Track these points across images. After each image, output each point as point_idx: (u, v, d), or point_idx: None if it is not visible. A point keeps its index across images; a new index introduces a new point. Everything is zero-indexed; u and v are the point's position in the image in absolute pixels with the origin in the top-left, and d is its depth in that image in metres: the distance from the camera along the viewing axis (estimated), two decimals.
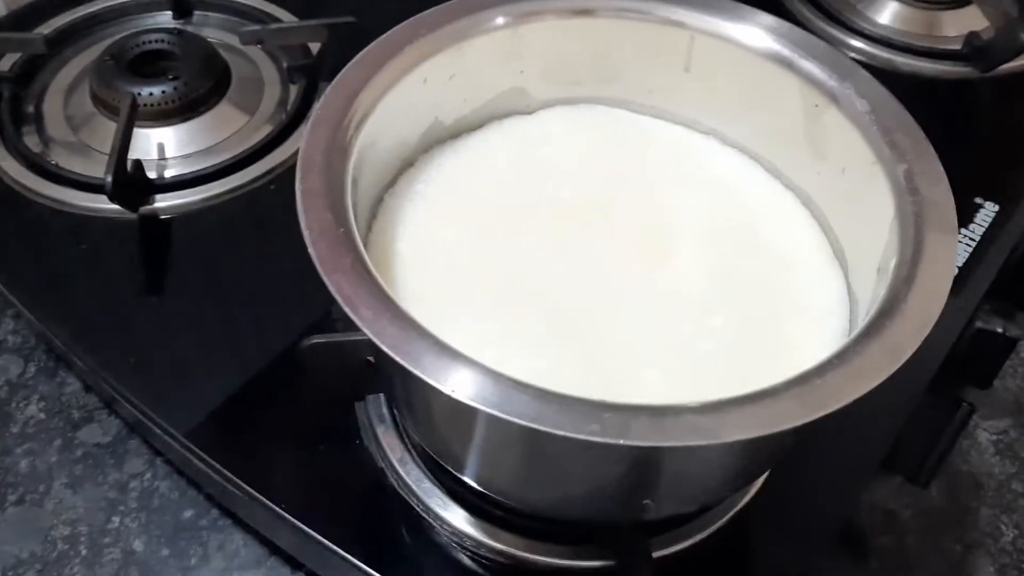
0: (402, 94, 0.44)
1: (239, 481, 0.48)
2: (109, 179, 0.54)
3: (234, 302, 0.56)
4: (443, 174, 0.48)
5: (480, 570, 0.46)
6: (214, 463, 0.48)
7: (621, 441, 0.30)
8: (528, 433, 0.33)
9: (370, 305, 0.34)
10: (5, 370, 0.61)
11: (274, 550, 0.54)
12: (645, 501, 0.39)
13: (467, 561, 0.46)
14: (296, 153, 0.62)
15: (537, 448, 0.36)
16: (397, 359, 0.32)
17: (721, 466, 0.38)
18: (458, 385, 0.32)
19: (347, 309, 0.33)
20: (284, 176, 0.62)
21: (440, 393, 0.32)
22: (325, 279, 0.34)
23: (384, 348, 0.32)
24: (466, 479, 0.42)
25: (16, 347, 0.62)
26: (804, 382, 0.32)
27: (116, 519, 0.55)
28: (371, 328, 0.33)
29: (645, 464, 0.36)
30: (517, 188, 0.48)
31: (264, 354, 0.53)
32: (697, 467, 0.38)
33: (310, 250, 0.36)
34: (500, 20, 0.46)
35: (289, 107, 0.66)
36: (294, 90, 0.67)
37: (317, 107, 0.41)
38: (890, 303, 0.35)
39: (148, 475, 0.57)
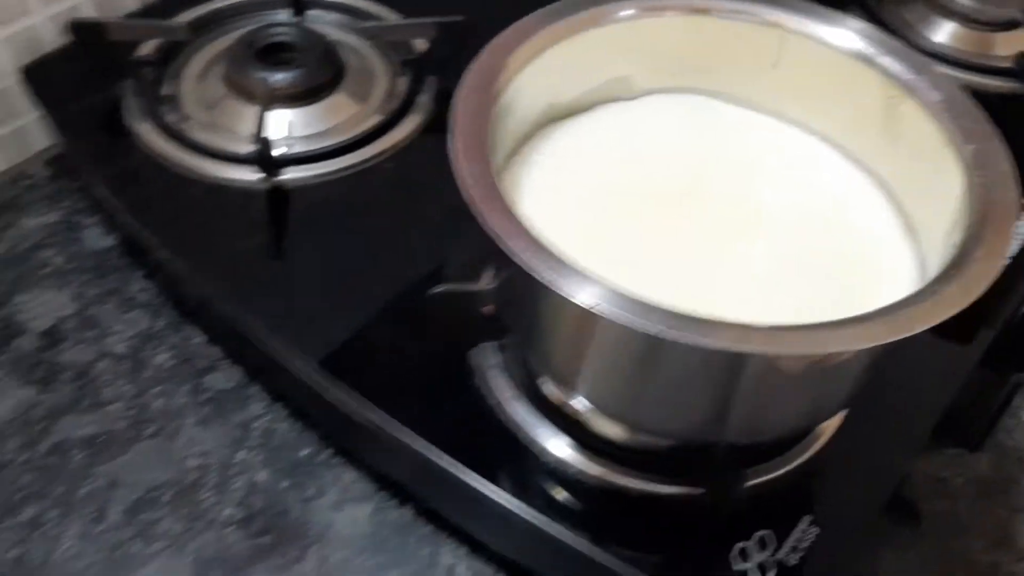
0: (529, 75, 0.50)
1: (370, 403, 0.52)
2: (256, 148, 0.61)
3: (353, 258, 0.61)
4: (556, 149, 0.54)
5: (578, 495, 0.51)
6: (346, 386, 0.53)
7: (743, 348, 0.35)
8: (652, 345, 0.39)
9: (521, 237, 0.40)
10: (137, 323, 0.67)
11: (382, 486, 0.59)
12: (739, 424, 0.44)
13: (568, 485, 0.51)
14: (405, 138, 0.70)
15: (656, 361, 0.41)
16: (545, 280, 0.38)
17: (811, 388, 0.44)
18: (598, 300, 0.38)
19: (504, 240, 0.39)
20: (396, 156, 0.68)
21: (576, 310, 0.38)
22: (483, 216, 0.40)
23: (534, 272, 0.38)
24: (579, 399, 0.47)
25: (146, 303, 0.68)
26: (891, 312, 0.38)
27: (241, 453, 0.60)
28: (524, 255, 0.39)
29: (750, 379, 0.41)
30: (619, 167, 0.53)
31: (383, 303, 0.58)
32: (792, 387, 0.43)
33: (466, 194, 0.41)
34: (626, 12, 0.51)
35: (397, 98, 0.72)
36: (401, 83, 0.74)
37: (463, 80, 0.46)
38: (961, 256, 0.40)
39: (268, 417, 0.62)
